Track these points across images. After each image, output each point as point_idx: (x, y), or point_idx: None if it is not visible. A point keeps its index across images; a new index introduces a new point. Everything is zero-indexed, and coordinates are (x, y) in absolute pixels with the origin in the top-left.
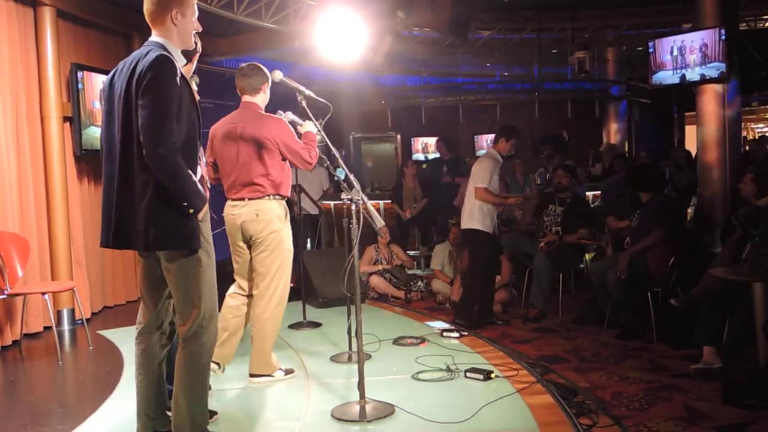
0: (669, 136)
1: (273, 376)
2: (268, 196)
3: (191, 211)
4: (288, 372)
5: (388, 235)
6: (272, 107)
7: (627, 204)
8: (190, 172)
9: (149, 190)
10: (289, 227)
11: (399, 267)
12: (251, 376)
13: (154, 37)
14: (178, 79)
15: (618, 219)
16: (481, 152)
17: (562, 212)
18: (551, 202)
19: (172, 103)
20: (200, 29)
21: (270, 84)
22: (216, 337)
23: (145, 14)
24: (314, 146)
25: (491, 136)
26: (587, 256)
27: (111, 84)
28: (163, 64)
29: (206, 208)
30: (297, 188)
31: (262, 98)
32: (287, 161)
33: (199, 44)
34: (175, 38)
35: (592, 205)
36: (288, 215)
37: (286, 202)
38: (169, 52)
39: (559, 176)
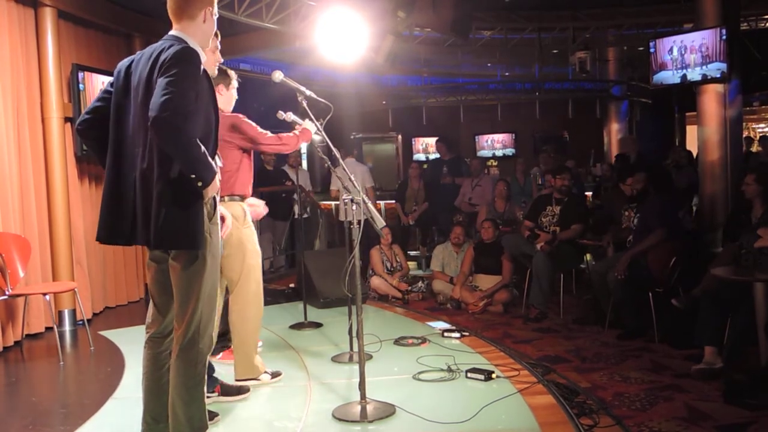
0: (670, 136)
1: (259, 379)
2: (220, 198)
3: (200, 184)
4: (275, 375)
5: (390, 236)
6: (273, 108)
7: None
8: (200, 143)
9: (164, 183)
10: (251, 228)
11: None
12: (237, 381)
13: (176, 32)
14: (200, 72)
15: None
16: (481, 152)
17: (560, 211)
18: (548, 204)
19: (191, 88)
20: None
21: (234, 84)
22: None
23: (173, 6)
24: (297, 139)
25: (492, 136)
26: (588, 257)
27: (126, 76)
28: (188, 54)
29: (219, 212)
30: (298, 189)
31: (221, 99)
32: (245, 159)
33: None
34: (199, 36)
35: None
36: (247, 216)
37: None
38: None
39: (560, 180)
